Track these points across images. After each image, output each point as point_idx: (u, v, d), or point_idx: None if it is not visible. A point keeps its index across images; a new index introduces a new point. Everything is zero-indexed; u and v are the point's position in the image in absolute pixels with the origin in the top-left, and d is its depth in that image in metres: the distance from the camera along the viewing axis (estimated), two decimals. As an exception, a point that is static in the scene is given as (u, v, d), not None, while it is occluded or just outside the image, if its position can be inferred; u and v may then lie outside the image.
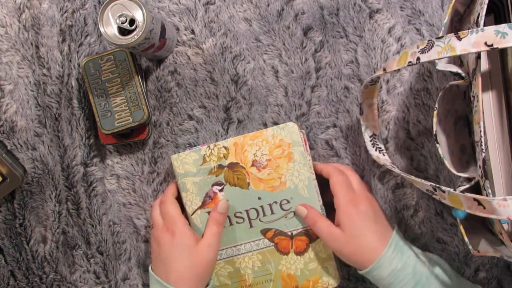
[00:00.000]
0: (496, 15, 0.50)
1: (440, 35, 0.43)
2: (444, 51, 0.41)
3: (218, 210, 0.54)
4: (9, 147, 0.64)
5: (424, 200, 0.61)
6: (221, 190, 0.54)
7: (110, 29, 0.53)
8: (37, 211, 0.65)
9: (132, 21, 0.52)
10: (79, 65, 0.63)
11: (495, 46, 0.38)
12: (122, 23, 0.52)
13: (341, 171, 0.55)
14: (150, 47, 0.56)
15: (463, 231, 0.47)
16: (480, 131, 0.41)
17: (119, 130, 0.59)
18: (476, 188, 0.47)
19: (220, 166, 0.54)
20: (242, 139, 0.54)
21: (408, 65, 0.44)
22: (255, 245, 0.55)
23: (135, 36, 0.52)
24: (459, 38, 0.40)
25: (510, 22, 0.47)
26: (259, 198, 0.54)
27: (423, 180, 0.47)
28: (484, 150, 0.41)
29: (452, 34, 0.40)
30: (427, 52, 0.42)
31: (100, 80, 0.59)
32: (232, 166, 0.54)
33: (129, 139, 0.61)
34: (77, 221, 0.65)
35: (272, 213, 0.54)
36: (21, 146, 0.64)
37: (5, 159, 0.62)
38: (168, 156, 0.63)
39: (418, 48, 0.43)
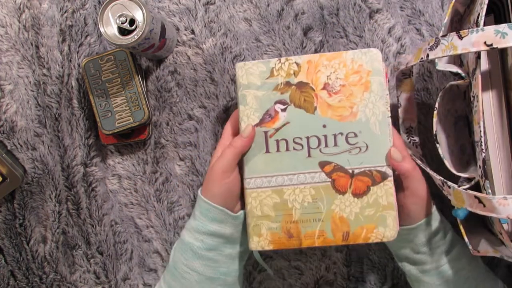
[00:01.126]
0: (496, 15, 0.50)
1: (440, 35, 0.43)
2: (448, 49, 0.41)
3: (242, 135, 0.49)
4: (9, 147, 0.64)
5: (424, 200, 0.61)
6: (283, 110, 0.49)
7: (110, 29, 0.53)
8: (37, 211, 0.65)
9: (132, 21, 0.52)
10: (79, 65, 0.63)
11: (494, 45, 0.38)
12: (122, 23, 0.52)
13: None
14: (150, 47, 0.56)
15: (463, 231, 0.47)
16: (480, 131, 0.41)
17: (119, 130, 0.59)
18: (476, 188, 0.47)
19: (288, 84, 0.49)
20: (318, 57, 0.49)
21: (420, 62, 0.45)
22: (310, 177, 0.49)
23: (135, 36, 0.52)
24: (461, 37, 0.40)
25: (510, 22, 0.47)
26: (324, 126, 0.49)
27: (434, 174, 0.47)
28: (484, 150, 0.41)
29: (454, 33, 0.41)
30: (434, 49, 0.43)
31: (100, 81, 0.59)
32: (300, 85, 0.49)
33: (130, 139, 0.61)
34: (77, 221, 0.65)
35: (335, 145, 0.49)
36: (21, 146, 0.64)
37: (5, 159, 0.62)
38: (170, 156, 0.63)
39: (428, 45, 0.44)
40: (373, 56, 0.49)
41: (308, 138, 0.49)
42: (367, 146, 0.49)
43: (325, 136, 0.49)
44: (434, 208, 0.50)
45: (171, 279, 0.52)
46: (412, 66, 0.49)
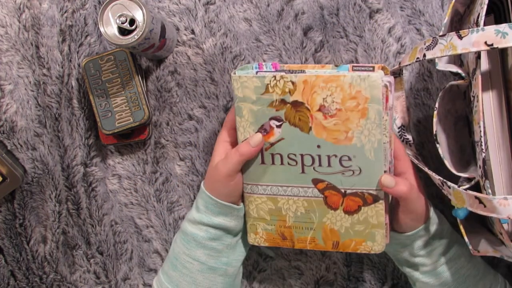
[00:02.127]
0: (496, 15, 0.50)
1: (439, 35, 0.43)
2: (446, 49, 0.41)
3: (250, 143, 0.48)
4: (9, 147, 0.64)
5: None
6: (278, 127, 0.49)
7: (110, 29, 0.53)
8: (37, 211, 0.65)
9: (132, 21, 0.52)
10: (79, 65, 0.63)
11: (495, 45, 0.38)
12: (122, 23, 0.52)
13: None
14: (150, 47, 0.56)
15: (463, 231, 0.47)
16: (480, 131, 0.41)
17: (119, 130, 0.59)
18: (477, 188, 0.47)
19: (283, 101, 0.48)
20: (314, 78, 0.47)
21: (416, 61, 0.45)
22: (303, 191, 0.50)
23: (135, 36, 0.52)
24: (460, 37, 0.40)
25: (510, 22, 0.47)
26: (318, 147, 0.48)
27: (433, 174, 0.47)
28: (484, 150, 0.41)
29: (454, 33, 0.41)
30: (432, 49, 0.43)
31: (100, 81, 0.59)
32: (296, 104, 0.48)
33: (130, 139, 0.61)
34: (77, 221, 0.65)
35: (329, 165, 0.49)
36: (21, 146, 0.64)
37: (5, 159, 0.62)
38: (170, 156, 0.63)
39: (425, 44, 0.44)
40: (372, 83, 0.46)
41: (302, 155, 0.49)
42: (360, 170, 0.48)
43: (319, 156, 0.49)
44: (431, 212, 0.50)
45: (171, 270, 0.52)
46: (404, 66, 0.49)
